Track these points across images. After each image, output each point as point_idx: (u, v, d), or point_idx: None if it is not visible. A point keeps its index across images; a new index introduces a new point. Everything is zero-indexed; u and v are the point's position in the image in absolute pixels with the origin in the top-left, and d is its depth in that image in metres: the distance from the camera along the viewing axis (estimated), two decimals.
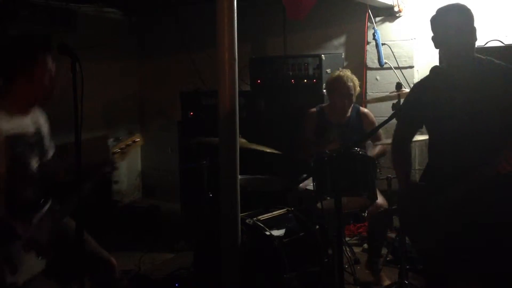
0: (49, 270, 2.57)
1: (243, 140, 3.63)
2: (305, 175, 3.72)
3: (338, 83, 3.96)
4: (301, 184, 3.81)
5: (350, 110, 4.03)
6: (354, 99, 4.00)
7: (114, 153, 2.83)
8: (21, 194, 2.61)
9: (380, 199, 3.52)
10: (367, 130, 3.99)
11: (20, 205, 2.59)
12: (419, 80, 2.83)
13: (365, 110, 4.16)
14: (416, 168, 4.98)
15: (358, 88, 4.02)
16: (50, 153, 2.84)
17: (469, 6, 2.74)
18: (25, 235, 2.49)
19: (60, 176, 2.85)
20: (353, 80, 3.98)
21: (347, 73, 4.02)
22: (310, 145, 3.93)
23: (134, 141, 2.91)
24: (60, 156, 2.95)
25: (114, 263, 2.87)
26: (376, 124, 4.04)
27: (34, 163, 2.67)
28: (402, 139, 2.83)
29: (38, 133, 2.71)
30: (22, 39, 2.64)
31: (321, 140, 3.95)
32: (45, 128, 2.77)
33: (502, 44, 4.13)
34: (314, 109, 4.13)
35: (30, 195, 2.65)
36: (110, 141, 2.86)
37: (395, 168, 2.84)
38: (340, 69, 4.37)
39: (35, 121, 2.71)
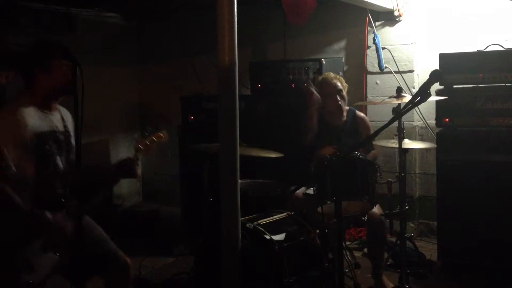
0: (64, 268, 2.58)
1: (243, 145, 3.62)
2: (293, 187, 3.72)
3: (324, 85, 3.95)
4: (296, 192, 3.82)
5: (346, 113, 4.02)
6: (345, 95, 3.96)
7: (139, 148, 2.83)
8: (48, 191, 2.65)
9: (376, 208, 3.51)
10: (363, 135, 3.98)
11: (45, 202, 2.61)
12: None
13: (362, 114, 4.15)
14: (417, 172, 4.99)
15: (345, 84, 4.00)
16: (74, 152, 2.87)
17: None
18: (48, 233, 2.53)
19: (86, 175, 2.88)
20: (338, 78, 3.98)
21: (330, 74, 4.02)
22: (311, 149, 3.92)
23: (159, 137, 2.91)
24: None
25: (130, 264, 2.89)
26: (371, 130, 4.04)
27: (62, 161, 2.71)
28: None
29: (66, 131, 2.76)
30: (38, 40, 2.73)
31: (320, 142, 3.95)
32: (71, 127, 2.81)
33: (502, 48, 4.14)
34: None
35: (57, 193, 2.69)
36: (136, 136, 2.84)
37: None
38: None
39: (63, 118, 2.76)
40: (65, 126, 2.75)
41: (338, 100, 3.92)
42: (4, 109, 2.63)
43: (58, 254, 2.56)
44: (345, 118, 4.00)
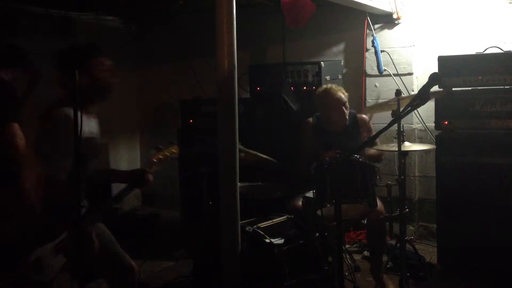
0: (72, 268, 2.60)
1: (242, 147, 3.62)
2: (279, 193, 3.77)
3: (329, 98, 3.93)
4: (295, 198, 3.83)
5: (347, 115, 4.02)
6: (345, 106, 3.97)
7: (154, 161, 2.88)
8: (73, 193, 2.64)
9: (379, 204, 3.51)
10: (364, 136, 3.98)
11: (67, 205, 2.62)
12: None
13: (363, 116, 4.14)
14: (416, 175, 4.99)
15: (346, 93, 4.00)
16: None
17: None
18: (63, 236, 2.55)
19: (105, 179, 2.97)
20: (339, 89, 3.98)
21: (332, 86, 4.01)
22: (309, 157, 3.92)
23: (171, 152, 2.96)
24: None
25: (135, 269, 2.90)
26: (373, 130, 4.05)
27: (90, 166, 2.75)
28: None
29: (98, 136, 2.81)
30: (74, 44, 2.79)
31: (319, 149, 3.95)
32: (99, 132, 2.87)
33: (501, 51, 4.14)
34: (310, 119, 4.12)
35: (79, 196, 2.69)
36: (152, 150, 2.92)
37: None
38: (326, 82, 4.38)
39: (98, 124, 2.83)
40: (98, 132, 2.81)
41: (343, 113, 3.95)
42: (52, 110, 2.63)
43: (67, 257, 2.58)
44: (345, 123, 4.01)
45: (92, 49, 2.75)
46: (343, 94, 3.96)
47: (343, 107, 3.95)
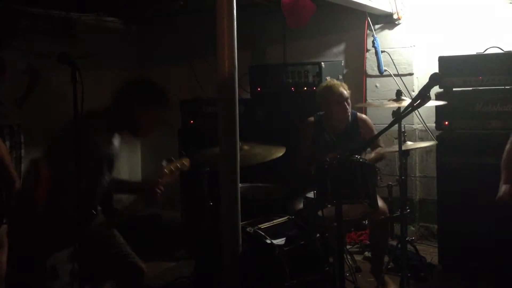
0: (84, 272, 2.60)
1: (246, 147, 3.61)
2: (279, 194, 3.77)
3: (331, 93, 3.92)
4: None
5: (350, 113, 4.01)
6: (347, 102, 3.95)
7: (165, 173, 2.90)
8: (87, 204, 2.72)
9: (381, 204, 3.50)
10: (365, 137, 3.97)
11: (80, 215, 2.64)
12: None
13: (363, 116, 4.13)
14: (417, 175, 4.99)
15: (348, 90, 3.98)
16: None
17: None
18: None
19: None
20: (342, 85, 3.97)
21: (335, 82, 4.01)
22: (309, 158, 3.91)
23: (182, 164, 2.99)
24: None
25: (144, 270, 2.94)
26: (375, 131, 4.03)
27: (107, 178, 2.80)
28: None
29: (116, 152, 2.85)
30: (159, 89, 2.96)
31: (322, 149, 3.95)
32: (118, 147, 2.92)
33: (502, 51, 4.14)
34: (311, 118, 4.11)
35: (93, 206, 2.80)
36: (164, 162, 2.94)
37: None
38: (327, 79, 4.37)
39: (119, 141, 2.87)
40: (117, 147, 2.85)
41: (346, 108, 3.92)
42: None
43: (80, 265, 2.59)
44: (346, 123, 4.00)
45: (164, 99, 2.86)
46: (345, 90, 3.93)
47: (346, 103, 3.92)
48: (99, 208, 2.88)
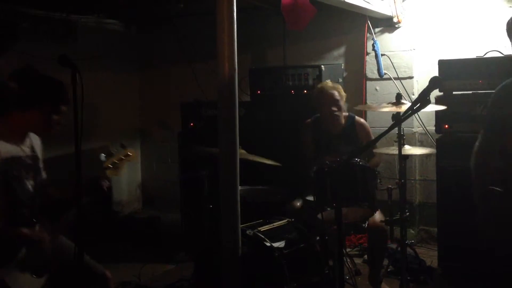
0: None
1: (243, 151, 3.63)
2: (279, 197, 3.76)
3: (321, 94, 3.93)
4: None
5: (344, 120, 4.01)
6: (343, 104, 3.95)
7: (106, 167, 2.78)
8: (18, 213, 2.63)
9: (377, 214, 3.49)
10: (363, 141, 3.97)
11: (18, 224, 2.60)
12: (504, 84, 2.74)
13: (361, 120, 4.12)
14: (417, 178, 4.99)
15: (343, 93, 3.97)
16: (44, 174, 2.86)
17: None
18: (27, 246, 2.51)
19: (54, 195, 2.85)
20: (336, 87, 3.96)
21: (328, 83, 4.01)
22: (312, 159, 3.91)
23: (127, 155, 2.84)
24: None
25: (109, 277, 2.85)
26: (372, 135, 4.04)
27: (30, 183, 2.70)
28: (490, 152, 2.65)
29: (34, 155, 2.74)
30: (50, 80, 2.68)
31: (319, 151, 3.95)
32: (40, 150, 2.81)
33: (501, 55, 4.14)
34: (309, 120, 4.12)
35: (28, 214, 2.68)
36: (102, 155, 2.79)
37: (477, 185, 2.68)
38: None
39: (31, 144, 2.75)
40: (32, 150, 2.74)
41: (333, 111, 3.91)
42: None
43: (35, 276, 2.55)
44: (343, 125, 4.00)
45: (55, 93, 2.66)
46: (337, 92, 3.92)
47: (334, 106, 3.90)
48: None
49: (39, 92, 2.62)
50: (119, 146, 2.86)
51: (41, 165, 2.82)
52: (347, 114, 4.05)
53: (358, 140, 3.98)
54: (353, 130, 4.01)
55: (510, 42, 2.68)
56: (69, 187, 2.73)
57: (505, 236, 2.50)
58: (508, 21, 2.67)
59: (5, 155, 2.56)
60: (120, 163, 2.82)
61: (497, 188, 2.60)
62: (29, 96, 2.61)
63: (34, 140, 2.79)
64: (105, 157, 2.79)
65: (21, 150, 2.67)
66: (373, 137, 4.01)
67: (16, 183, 2.61)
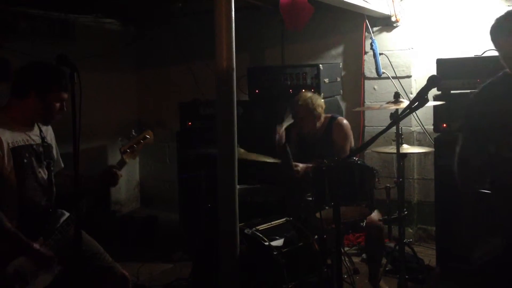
0: (58, 283, 2.57)
1: (242, 150, 3.63)
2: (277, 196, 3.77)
3: (297, 104, 3.95)
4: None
5: (324, 122, 4.01)
6: (316, 113, 3.94)
7: (124, 151, 2.80)
8: (32, 201, 2.64)
9: (375, 214, 3.50)
10: (337, 141, 3.94)
11: (32, 214, 2.60)
12: (485, 85, 2.75)
13: (342, 121, 4.06)
14: (415, 177, 5.00)
15: (319, 102, 3.96)
16: (60, 163, 2.89)
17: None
18: (36, 249, 2.52)
19: (68, 187, 2.86)
20: (312, 98, 3.94)
21: (306, 93, 4.00)
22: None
23: (144, 138, 2.88)
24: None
25: (128, 278, 2.88)
26: (349, 136, 4.01)
27: (44, 172, 2.71)
28: (468, 155, 2.65)
29: (45, 143, 2.75)
30: (50, 66, 2.67)
31: (298, 154, 3.95)
32: (52, 139, 2.83)
33: None
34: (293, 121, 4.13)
35: (42, 203, 2.68)
36: (120, 140, 2.80)
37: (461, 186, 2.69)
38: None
39: (40, 131, 2.76)
40: (43, 138, 2.74)
41: (311, 122, 3.94)
42: None
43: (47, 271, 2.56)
44: (320, 126, 4.00)
45: (58, 78, 2.65)
46: (312, 102, 3.92)
47: (309, 117, 3.92)
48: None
49: (31, 78, 2.63)
50: (137, 130, 2.89)
51: (55, 153, 2.81)
52: (327, 116, 4.05)
53: (332, 140, 3.97)
54: (329, 131, 4.01)
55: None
56: (82, 178, 2.77)
57: (498, 236, 2.49)
58: (490, 30, 2.68)
59: (12, 145, 2.56)
60: (138, 146, 2.85)
61: (487, 191, 2.60)
62: (21, 83, 2.63)
63: (45, 129, 2.79)
64: (122, 141, 2.80)
65: (29, 138, 2.67)
66: (351, 138, 4.02)
67: (27, 172, 2.62)
